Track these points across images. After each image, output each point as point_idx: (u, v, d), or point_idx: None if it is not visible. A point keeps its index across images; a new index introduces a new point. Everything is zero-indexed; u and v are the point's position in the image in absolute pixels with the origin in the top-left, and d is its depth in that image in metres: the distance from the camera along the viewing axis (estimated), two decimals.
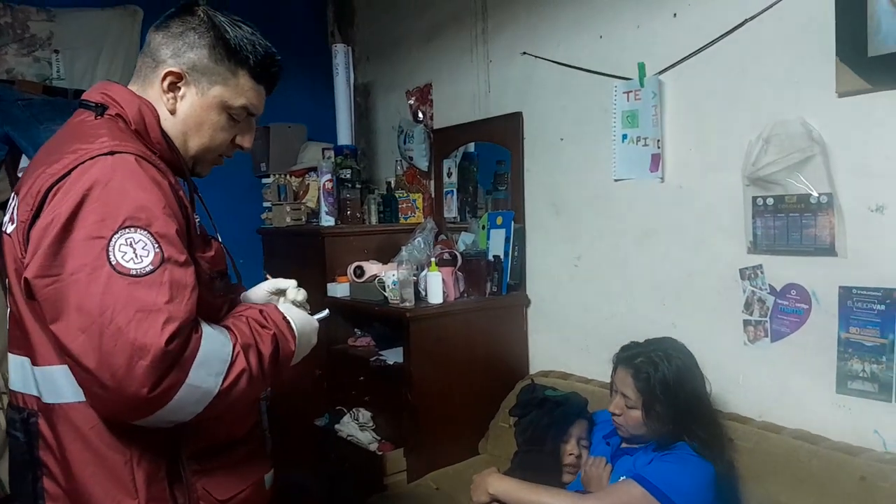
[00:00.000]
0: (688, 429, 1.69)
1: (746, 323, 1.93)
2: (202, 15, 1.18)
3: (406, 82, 3.26)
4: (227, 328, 1.08)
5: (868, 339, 1.67)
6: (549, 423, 1.96)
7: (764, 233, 1.85)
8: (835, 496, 1.59)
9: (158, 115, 1.16)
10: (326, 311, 1.36)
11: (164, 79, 1.16)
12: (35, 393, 1.08)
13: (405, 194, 3.08)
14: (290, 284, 1.34)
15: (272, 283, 1.35)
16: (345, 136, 3.18)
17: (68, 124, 1.16)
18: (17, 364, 1.13)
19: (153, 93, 1.18)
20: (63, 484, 1.06)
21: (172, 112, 1.18)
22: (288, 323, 1.17)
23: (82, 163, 1.01)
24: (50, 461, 1.07)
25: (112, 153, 1.02)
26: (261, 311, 1.16)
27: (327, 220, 2.85)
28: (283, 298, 1.32)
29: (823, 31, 1.69)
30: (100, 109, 1.13)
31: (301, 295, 1.32)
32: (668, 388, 1.69)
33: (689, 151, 2.05)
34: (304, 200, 3.08)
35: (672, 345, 1.80)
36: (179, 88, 1.17)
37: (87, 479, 1.04)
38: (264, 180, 3.19)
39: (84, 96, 1.18)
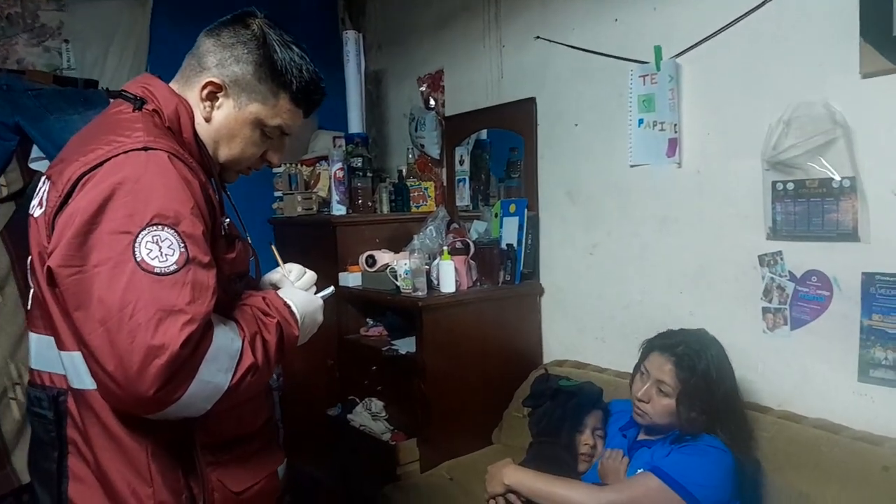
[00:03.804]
0: (720, 422, 1.67)
1: (766, 310, 1.90)
2: (256, 30, 1.16)
3: (418, 69, 3.23)
4: (235, 321, 1.08)
5: (891, 326, 1.64)
6: (563, 414, 1.94)
7: (784, 218, 1.81)
8: (857, 486, 1.57)
9: (194, 117, 1.17)
10: (331, 289, 1.37)
11: (204, 87, 1.16)
12: (62, 372, 1.09)
13: (417, 183, 3.06)
14: (293, 269, 1.35)
15: (279, 269, 1.37)
16: (356, 125, 3.16)
17: (106, 114, 1.15)
18: (43, 343, 1.13)
19: (192, 95, 1.17)
20: (91, 463, 1.06)
21: (207, 119, 1.18)
22: (289, 308, 1.18)
23: (116, 156, 1.00)
24: (79, 440, 1.08)
25: (146, 149, 1.02)
26: (263, 299, 1.17)
27: (339, 210, 2.83)
28: (287, 281, 1.33)
29: (847, 10, 1.65)
30: (138, 103, 1.13)
31: (304, 281, 1.33)
32: (711, 381, 1.67)
33: (707, 136, 2.01)
34: (315, 190, 3.06)
35: (708, 336, 1.77)
36: (218, 98, 1.17)
37: (106, 463, 1.05)
38: (275, 170, 3.17)
39: (125, 87, 1.17)
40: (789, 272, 1.84)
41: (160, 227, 0.97)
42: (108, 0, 2.90)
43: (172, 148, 1.06)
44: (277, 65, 1.16)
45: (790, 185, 1.79)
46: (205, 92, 1.16)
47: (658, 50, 2.09)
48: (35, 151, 2.44)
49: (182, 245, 0.98)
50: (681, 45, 2.04)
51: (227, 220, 1.19)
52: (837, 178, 1.69)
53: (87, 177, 0.99)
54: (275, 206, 3.18)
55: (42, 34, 2.76)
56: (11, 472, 2.38)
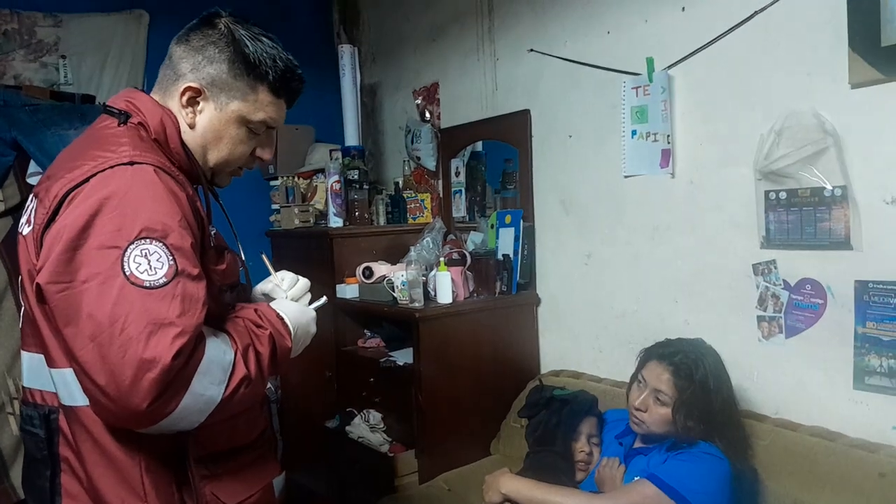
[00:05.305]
0: (717, 430, 1.67)
1: (760, 319, 1.90)
2: (223, 28, 1.17)
3: (413, 82, 3.25)
4: (227, 333, 1.08)
5: (885, 333, 1.65)
6: (558, 422, 1.94)
7: (777, 227, 1.83)
8: (853, 493, 1.57)
9: (179, 127, 1.17)
10: (324, 299, 1.37)
11: (183, 94, 1.16)
12: (53, 390, 1.09)
13: (413, 194, 3.07)
14: (285, 277, 1.34)
15: (272, 279, 1.36)
16: (352, 137, 3.17)
17: (91, 129, 1.16)
18: (34, 361, 1.13)
19: (174, 104, 1.18)
20: (84, 481, 1.06)
21: (192, 126, 1.18)
22: (282, 320, 1.18)
23: (102, 171, 1.01)
24: (71, 457, 1.07)
25: (132, 163, 1.02)
26: (256, 311, 1.16)
27: (335, 222, 2.84)
28: (280, 291, 1.32)
29: (835, 21, 1.67)
30: (123, 117, 1.13)
31: (298, 288, 1.32)
32: (708, 390, 1.67)
33: (700, 146, 2.03)
34: (312, 202, 3.07)
35: (705, 346, 1.78)
36: (198, 103, 1.17)
37: (98, 480, 1.05)
38: (272, 182, 3.19)
39: (109, 102, 1.18)
40: (783, 280, 1.85)
41: (148, 240, 0.97)
42: (105, 15, 2.92)
43: (158, 161, 1.06)
44: (250, 58, 1.16)
45: (782, 195, 1.80)
46: (184, 98, 1.16)
47: (650, 62, 2.10)
48: (32, 166, 2.45)
49: (171, 258, 0.98)
50: (672, 56, 2.06)
51: (214, 230, 1.19)
52: (829, 186, 1.70)
53: (73, 193, 0.99)
54: (272, 218, 3.19)
55: (39, 50, 2.78)
56: (10, 487, 2.37)
